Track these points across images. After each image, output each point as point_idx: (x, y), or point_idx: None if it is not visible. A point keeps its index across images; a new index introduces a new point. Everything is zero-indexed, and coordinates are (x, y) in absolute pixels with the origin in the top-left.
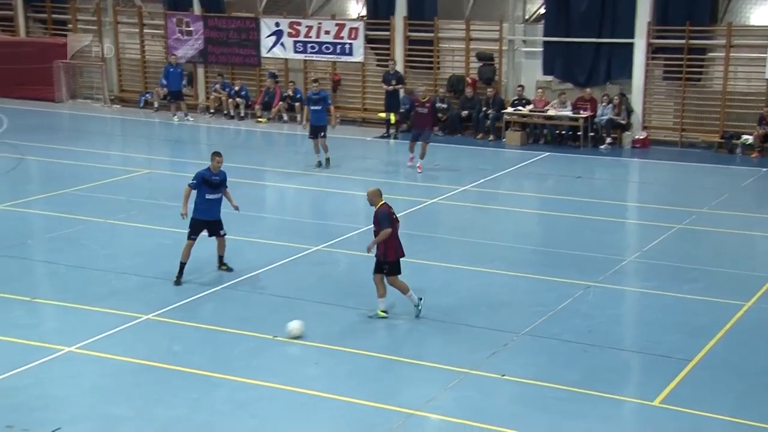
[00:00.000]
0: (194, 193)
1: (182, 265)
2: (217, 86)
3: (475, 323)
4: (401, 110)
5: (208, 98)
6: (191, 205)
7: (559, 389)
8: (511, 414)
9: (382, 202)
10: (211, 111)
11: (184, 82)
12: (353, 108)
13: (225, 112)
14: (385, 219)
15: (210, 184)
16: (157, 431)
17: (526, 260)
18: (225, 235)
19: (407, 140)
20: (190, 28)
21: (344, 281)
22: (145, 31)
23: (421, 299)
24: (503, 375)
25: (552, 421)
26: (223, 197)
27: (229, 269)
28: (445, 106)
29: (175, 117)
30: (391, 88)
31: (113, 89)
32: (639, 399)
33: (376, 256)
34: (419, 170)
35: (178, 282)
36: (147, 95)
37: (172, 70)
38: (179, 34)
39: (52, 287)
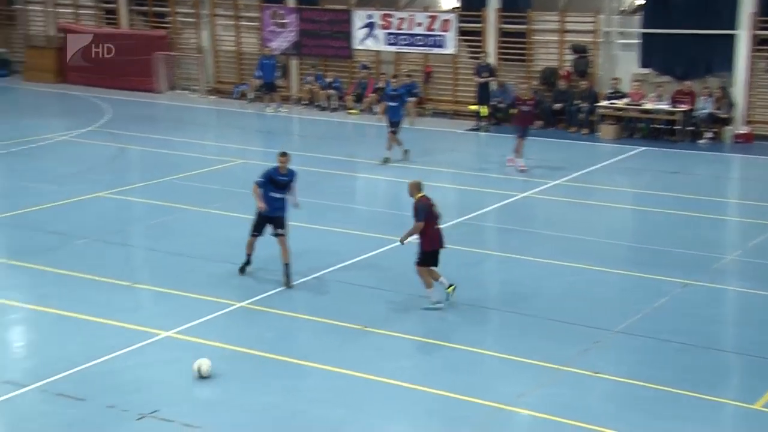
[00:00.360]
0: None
1: (248, 257)
2: (310, 78)
3: (566, 319)
4: (494, 103)
5: (301, 90)
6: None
7: (653, 388)
8: (603, 412)
9: (421, 194)
10: (304, 102)
11: (278, 73)
12: (444, 100)
13: (317, 103)
14: (421, 212)
15: (276, 183)
16: (249, 417)
17: (620, 256)
18: (284, 235)
19: (498, 134)
20: (285, 20)
21: None
22: (240, 23)
23: (442, 301)
24: (596, 372)
25: (646, 421)
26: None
27: (289, 284)
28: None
29: (269, 108)
30: (482, 80)
31: (210, 80)
32: (738, 402)
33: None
34: (523, 168)
35: (241, 272)
36: (242, 86)
37: (266, 61)
38: (274, 26)
39: (151, 273)
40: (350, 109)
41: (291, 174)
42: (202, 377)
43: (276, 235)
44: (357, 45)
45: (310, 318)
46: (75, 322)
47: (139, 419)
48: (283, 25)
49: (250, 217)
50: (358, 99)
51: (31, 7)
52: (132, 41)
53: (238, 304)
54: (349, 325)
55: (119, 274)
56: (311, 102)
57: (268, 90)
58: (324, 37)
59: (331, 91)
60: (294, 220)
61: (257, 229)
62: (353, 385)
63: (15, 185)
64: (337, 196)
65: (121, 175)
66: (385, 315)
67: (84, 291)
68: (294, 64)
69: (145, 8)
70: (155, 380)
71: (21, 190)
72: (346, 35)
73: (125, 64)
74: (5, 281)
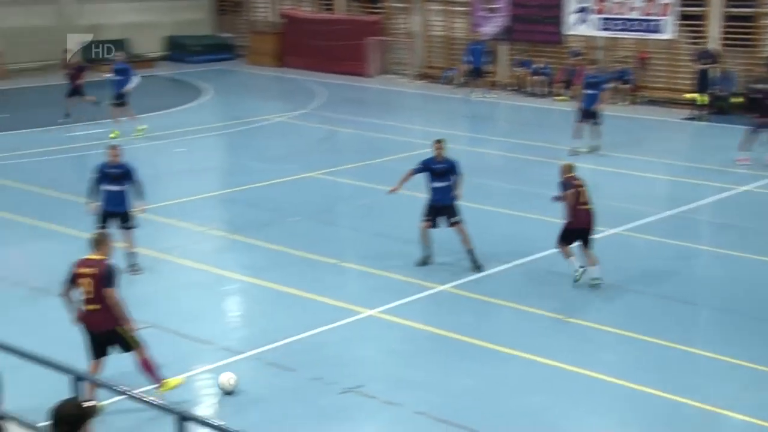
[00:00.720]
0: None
1: (424, 249)
2: (519, 64)
3: None
4: (713, 91)
5: (509, 75)
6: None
7: None
8: None
9: (570, 174)
10: (512, 88)
11: (486, 59)
12: (659, 88)
13: (525, 89)
14: (565, 186)
15: (434, 171)
16: (447, 399)
17: None
18: (459, 222)
19: (715, 123)
20: (495, 5)
21: (640, 266)
22: (451, 8)
23: (580, 270)
24: None
25: None
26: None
27: (478, 268)
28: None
29: (474, 93)
30: (703, 67)
31: (419, 65)
32: None
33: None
34: (745, 162)
35: (421, 263)
36: (450, 71)
37: (475, 47)
38: (484, 12)
39: (356, 252)
40: (558, 95)
41: (449, 163)
42: (227, 392)
43: (451, 224)
44: (568, 30)
45: (511, 305)
46: (285, 295)
47: (342, 393)
48: (493, 10)
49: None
50: (567, 85)
51: None
52: (347, 26)
53: (440, 287)
54: (549, 313)
55: (327, 252)
56: (519, 88)
57: (475, 75)
58: (535, 22)
59: (540, 77)
60: (497, 206)
61: (427, 217)
62: (553, 375)
63: (235, 163)
64: (539, 184)
65: (330, 156)
66: (586, 304)
67: (294, 267)
68: (503, 49)
69: None
70: (358, 357)
71: (240, 167)
72: (558, 20)
73: (339, 49)
74: (224, 254)
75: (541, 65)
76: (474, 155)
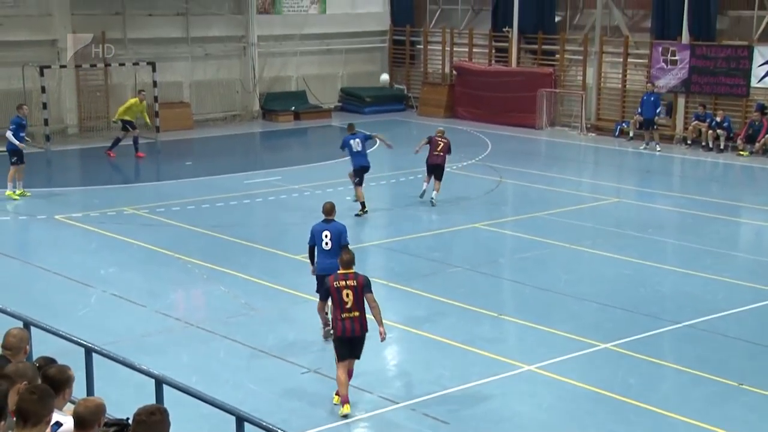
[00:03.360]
0: None
1: None
2: (698, 116)
3: None
4: None
5: (686, 128)
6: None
7: None
8: None
9: None
10: (688, 142)
11: (659, 110)
12: None
13: (703, 143)
14: None
15: None
16: None
17: None
18: None
19: None
20: (676, 57)
21: None
22: (628, 60)
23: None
24: None
25: None
26: None
27: None
28: None
29: (645, 146)
30: None
31: (591, 117)
32: None
33: None
34: None
35: None
36: (623, 124)
37: (647, 98)
38: (663, 63)
39: (517, 306)
40: (740, 150)
41: None
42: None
43: None
44: (755, 83)
45: (679, 367)
46: (443, 346)
47: None
48: (673, 62)
49: (619, 257)
50: (750, 140)
51: (430, 47)
52: (518, 78)
53: (603, 345)
54: (720, 379)
55: (488, 304)
56: (696, 141)
57: (647, 127)
58: (718, 74)
59: (720, 131)
60: (667, 263)
61: None
62: None
63: (400, 212)
64: (715, 242)
65: (496, 207)
66: (763, 372)
67: (454, 318)
68: (681, 102)
69: (534, 46)
70: (516, 412)
71: (404, 216)
72: (744, 72)
73: (510, 101)
74: (384, 302)
75: (720, 118)
76: (645, 210)
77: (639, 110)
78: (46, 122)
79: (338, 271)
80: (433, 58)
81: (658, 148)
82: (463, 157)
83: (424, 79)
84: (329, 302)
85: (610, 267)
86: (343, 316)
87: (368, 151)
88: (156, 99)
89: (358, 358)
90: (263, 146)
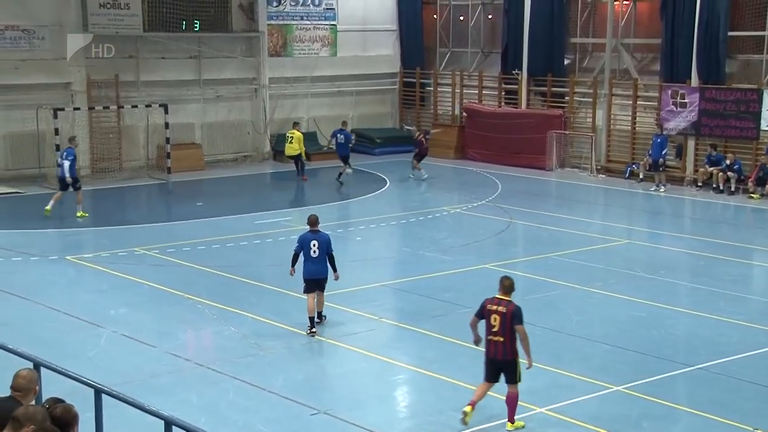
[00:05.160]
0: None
1: None
2: (710, 158)
3: None
4: None
5: (696, 170)
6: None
7: None
8: None
9: None
10: (699, 184)
11: (664, 151)
12: None
13: (714, 185)
14: None
15: None
16: None
17: None
18: None
19: None
20: (685, 100)
21: None
22: (638, 102)
23: None
24: None
25: None
26: None
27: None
28: None
29: (658, 188)
30: None
31: (600, 159)
32: None
33: None
34: None
35: None
36: (633, 166)
37: (656, 140)
38: (673, 106)
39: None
40: (751, 193)
41: None
42: None
43: None
44: (765, 126)
45: (692, 411)
46: (454, 388)
47: None
48: (683, 105)
49: (631, 299)
50: (761, 183)
51: (440, 89)
52: (528, 120)
53: (615, 388)
54: (735, 423)
55: None
56: (707, 184)
57: (656, 168)
58: (727, 117)
59: (730, 174)
60: (681, 306)
61: None
62: None
63: (410, 253)
64: (728, 284)
65: (507, 248)
66: None
67: (465, 359)
68: (691, 144)
69: (544, 89)
70: None
71: (415, 257)
72: (754, 115)
73: (520, 142)
74: (393, 343)
75: (731, 161)
76: (656, 252)
77: (649, 152)
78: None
79: (496, 295)
80: (443, 100)
81: (662, 189)
82: (474, 198)
83: (434, 121)
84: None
85: (621, 308)
86: (489, 338)
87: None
88: (167, 140)
89: (508, 382)
90: (274, 187)
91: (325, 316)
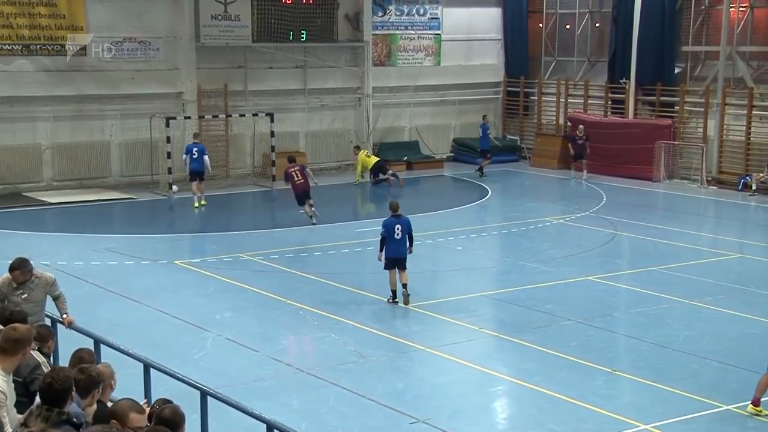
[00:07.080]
0: None
1: None
2: None
3: None
4: None
5: None
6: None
7: None
8: None
9: None
10: None
11: None
12: None
13: None
14: None
15: None
16: None
17: None
18: None
19: None
20: None
21: None
22: (753, 112)
23: None
24: None
25: None
26: None
27: None
28: None
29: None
30: None
31: (712, 170)
32: None
33: None
34: None
35: None
36: (746, 178)
37: None
38: None
39: (632, 361)
40: None
41: None
42: None
43: None
44: None
45: None
46: (553, 400)
47: None
48: None
49: (743, 315)
50: None
51: (544, 98)
52: (635, 130)
53: (725, 407)
54: None
55: (600, 359)
56: None
57: None
58: None
59: None
60: None
61: None
62: None
63: (512, 263)
64: None
65: (610, 260)
66: None
67: (565, 372)
68: None
69: (653, 98)
70: None
71: (516, 268)
72: None
73: (626, 152)
74: (493, 353)
75: None
76: None
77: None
78: (170, 170)
79: None
80: (547, 110)
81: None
82: (577, 209)
83: (538, 130)
84: None
85: (733, 325)
86: None
87: None
88: (273, 148)
89: None
90: (375, 195)
91: (408, 293)
